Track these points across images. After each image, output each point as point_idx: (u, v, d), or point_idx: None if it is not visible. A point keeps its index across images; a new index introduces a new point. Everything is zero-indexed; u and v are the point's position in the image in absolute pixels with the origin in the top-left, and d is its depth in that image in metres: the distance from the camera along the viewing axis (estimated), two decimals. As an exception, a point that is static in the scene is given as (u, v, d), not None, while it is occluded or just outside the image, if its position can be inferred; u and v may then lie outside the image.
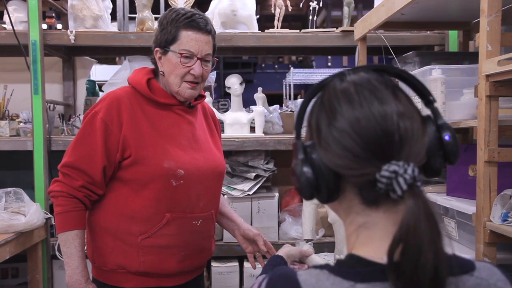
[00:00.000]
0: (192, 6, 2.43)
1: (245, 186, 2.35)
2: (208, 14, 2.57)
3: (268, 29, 2.58)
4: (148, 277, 1.42)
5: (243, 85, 2.45)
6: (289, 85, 4.80)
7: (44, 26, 2.46)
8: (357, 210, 0.69)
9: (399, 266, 0.60)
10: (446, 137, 0.69)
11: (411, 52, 2.05)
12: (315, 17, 2.69)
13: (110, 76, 2.80)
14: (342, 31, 2.48)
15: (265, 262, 1.26)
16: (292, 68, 4.85)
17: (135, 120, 1.39)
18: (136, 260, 1.39)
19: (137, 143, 1.37)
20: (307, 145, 0.68)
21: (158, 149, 1.38)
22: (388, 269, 0.61)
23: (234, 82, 2.42)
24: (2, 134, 2.49)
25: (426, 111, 0.73)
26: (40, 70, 2.31)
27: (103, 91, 2.87)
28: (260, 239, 1.55)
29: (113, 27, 2.93)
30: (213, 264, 2.33)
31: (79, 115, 2.64)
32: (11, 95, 2.58)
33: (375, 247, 0.67)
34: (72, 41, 2.37)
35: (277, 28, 2.60)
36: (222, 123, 2.40)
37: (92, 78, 3.21)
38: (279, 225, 2.42)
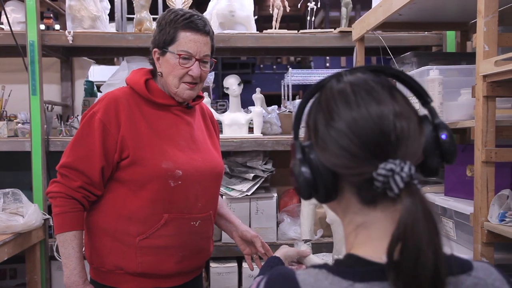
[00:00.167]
0: (190, 7, 2.43)
1: (244, 186, 2.35)
2: (206, 14, 2.57)
3: (266, 29, 2.58)
4: (146, 278, 1.41)
5: (241, 86, 2.45)
6: (288, 85, 4.80)
7: (42, 26, 2.46)
8: (355, 209, 0.69)
9: (398, 266, 0.60)
10: (443, 136, 0.69)
11: (409, 53, 2.06)
12: (313, 18, 2.69)
13: (108, 76, 2.79)
14: (340, 31, 2.48)
15: (263, 264, 1.26)
16: (290, 69, 4.85)
17: (133, 120, 1.39)
18: (134, 261, 1.39)
19: (135, 143, 1.37)
20: (305, 145, 0.69)
21: (156, 150, 1.38)
22: (388, 268, 0.61)
23: (232, 83, 2.42)
24: (0, 134, 2.49)
25: (423, 111, 0.73)
26: (38, 70, 2.30)
27: (101, 92, 2.87)
28: (258, 240, 1.55)
29: (111, 28, 2.92)
30: (212, 264, 2.33)
31: (77, 115, 2.64)
32: (9, 95, 2.58)
33: (373, 246, 0.67)
34: (70, 42, 2.37)
35: (275, 28, 2.60)
36: (220, 123, 2.40)
37: (90, 78, 3.20)
38: (277, 226, 2.42)
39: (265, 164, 2.46)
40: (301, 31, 2.54)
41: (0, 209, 2.14)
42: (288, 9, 2.67)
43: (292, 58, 8.28)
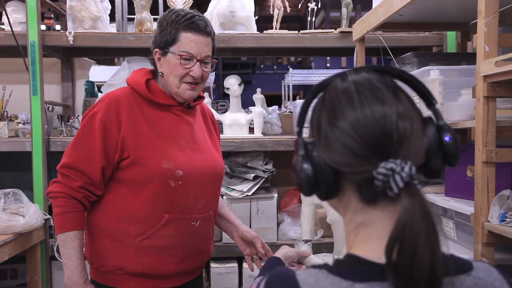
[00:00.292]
0: (191, 7, 2.44)
1: (244, 187, 2.35)
2: (206, 15, 2.57)
3: (266, 30, 2.58)
4: (146, 278, 1.41)
5: (242, 86, 2.45)
6: (288, 86, 4.80)
7: (43, 27, 2.46)
8: (356, 208, 0.69)
9: (396, 266, 0.60)
10: (446, 138, 0.69)
11: (409, 53, 2.06)
12: (314, 18, 2.69)
13: (108, 77, 2.80)
14: (341, 32, 2.49)
15: (263, 264, 1.26)
16: (291, 69, 4.86)
17: (134, 120, 1.39)
18: (134, 261, 1.39)
19: (136, 143, 1.37)
20: (308, 143, 0.69)
21: (157, 150, 1.38)
22: (387, 268, 0.61)
23: (233, 83, 2.43)
24: (1, 135, 2.49)
25: (427, 113, 0.73)
26: (38, 71, 2.31)
27: (101, 92, 2.87)
28: (258, 241, 1.55)
29: (112, 28, 2.93)
30: (212, 265, 2.33)
31: (78, 116, 2.64)
32: (9, 96, 2.58)
33: (373, 246, 0.67)
34: (71, 42, 2.37)
35: (276, 29, 2.60)
36: (221, 124, 2.40)
37: (90, 79, 3.21)
38: (278, 226, 2.42)
39: (265, 164, 2.46)
40: (301, 31, 2.54)
41: (1, 209, 2.14)
42: (288, 9, 2.67)
43: (292, 59, 8.28)
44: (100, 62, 4.29)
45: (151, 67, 1.51)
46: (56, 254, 2.25)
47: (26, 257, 2.29)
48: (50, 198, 1.40)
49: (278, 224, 2.43)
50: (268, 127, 2.66)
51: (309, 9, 2.68)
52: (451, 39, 2.45)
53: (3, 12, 2.48)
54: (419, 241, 0.59)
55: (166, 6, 2.58)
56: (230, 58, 7.22)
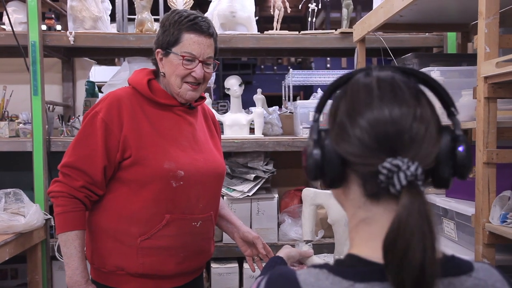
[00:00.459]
0: (192, 8, 2.44)
1: (245, 187, 2.35)
2: (207, 15, 2.57)
3: (267, 30, 2.58)
4: (147, 279, 1.41)
5: (243, 87, 2.45)
6: (288, 86, 4.80)
7: (44, 27, 2.46)
8: (359, 203, 0.70)
9: (390, 264, 0.60)
10: (460, 149, 0.68)
11: (409, 54, 2.06)
12: (314, 19, 2.69)
13: (109, 77, 2.80)
14: (341, 32, 2.49)
15: (264, 265, 1.26)
16: (291, 70, 4.85)
17: (135, 120, 1.39)
18: (135, 261, 1.39)
19: (138, 143, 1.37)
20: (322, 129, 0.70)
21: (159, 150, 1.38)
22: (385, 268, 0.61)
23: (233, 84, 2.43)
24: (2, 135, 2.50)
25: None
26: (39, 71, 2.31)
27: (102, 92, 2.87)
28: (259, 242, 1.55)
29: (112, 29, 2.93)
30: (213, 265, 2.33)
31: (79, 116, 2.65)
32: (10, 96, 2.58)
33: (374, 246, 0.67)
34: (72, 42, 2.38)
35: (276, 29, 2.61)
36: (221, 124, 2.41)
37: (91, 79, 3.21)
38: (278, 226, 2.42)
39: (266, 165, 2.46)
40: (302, 32, 2.55)
41: (2, 209, 2.14)
42: (289, 10, 2.67)
43: (292, 59, 8.29)
44: (100, 62, 4.30)
45: (151, 67, 1.51)
46: (56, 254, 2.25)
47: (27, 257, 2.29)
48: (51, 197, 1.40)
49: (279, 224, 2.43)
50: (268, 128, 2.66)
51: (310, 9, 2.68)
52: (452, 40, 2.45)
53: (4, 12, 2.48)
54: (412, 239, 0.59)
55: (166, 7, 2.58)
56: (230, 59, 7.23)
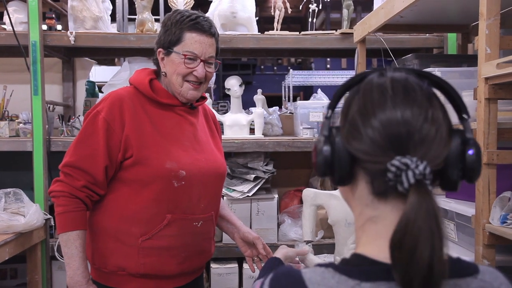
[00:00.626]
0: (192, 8, 2.44)
1: (245, 187, 2.35)
2: (208, 15, 2.57)
3: (267, 31, 2.58)
4: (148, 279, 1.41)
5: (243, 87, 2.46)
6: (288, 86, 4.81)
7: (44, 27, 2.46)
8: (366, 201, 0.70)
9: (397, 263, 0.60)
10: (470, 152, 0.68)
11: (410, 55, 2.06)
12: (315, 19, 2.70)
13: (109, 77, 2.80)
14: (342, 33, 2.49)
15: (263, 265, 1.26)
16: (291, 70, 4.86)
17: (137, 120, 1.39)
18: (136, 261, 1.39)
19: (139, 143, 1.37)
20: (333, 126, 0.71)
21: (160, 150, 1.38)
22: (392, 268, 0.61)
23: (233, 84, 2.43)
24: (2, 134, 2.49)
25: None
26: (40, 71, 2.31)
27: (102, 92, 2.87)
28: (259, 242, 1.55)
29: (113, 29, 2.93)
30: (213, 265, 2.33)
31: (79, 116, 2.65)
32: (10, 95, 2.58)
33: (380, 245, 0.67)
34: (72, 42, 2.38)
35: (277, 30, 2.61)
36: (221, 124, 2.41)
37: (91, 79, 3.21)
38: (278, 227, 2.42)
39: (266, 165, 2.47)
40: (302, 32, 2.55)
41: (2, 208, 2.14)
42: (289, 10, 2.67)
43: (293, 60, 8.29)
44: (101, 62, 4.30)
45: (152, 67, 1.51)
46: (56, 254, 2.25)
47: (27, 257, 2.28)
48: (52, 197, 1.39)
49: (279, 225, 2.43)
50: (268, 128, 2.66)
51: (310, 10, 2.68)
52: (452, 41, 2.45)
53: (5, 12, 2.48)
54: (420, 238, 0.59)
55: (167, 7, 2.58)
56: (230, 59, 7.23)
